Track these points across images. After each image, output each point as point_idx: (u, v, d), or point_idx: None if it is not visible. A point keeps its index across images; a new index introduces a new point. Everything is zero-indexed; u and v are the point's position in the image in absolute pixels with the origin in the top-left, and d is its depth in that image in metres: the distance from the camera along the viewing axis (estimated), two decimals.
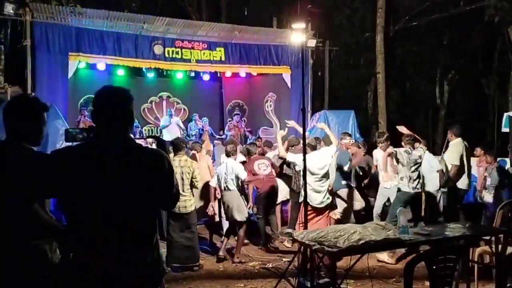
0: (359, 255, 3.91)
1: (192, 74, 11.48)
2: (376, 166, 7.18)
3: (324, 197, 5.88)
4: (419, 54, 18.43)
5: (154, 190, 2.01)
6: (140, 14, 9.45)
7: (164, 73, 11.22)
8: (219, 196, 6.40)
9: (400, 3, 16.24)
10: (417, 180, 6.10)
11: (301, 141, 5.65)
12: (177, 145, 5.82)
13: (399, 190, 6.12)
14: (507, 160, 8.57)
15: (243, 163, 6.74)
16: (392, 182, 6.37)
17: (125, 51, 8.79)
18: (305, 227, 4.79)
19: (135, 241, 1.97)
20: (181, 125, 11.61)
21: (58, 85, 8.19)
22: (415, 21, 16.00)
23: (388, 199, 6.42)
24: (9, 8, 7.80)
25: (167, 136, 10.11)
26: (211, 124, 11.69)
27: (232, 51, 9.80)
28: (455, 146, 6.46)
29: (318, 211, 5.87)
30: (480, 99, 19.14)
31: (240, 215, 5.95)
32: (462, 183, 6.44)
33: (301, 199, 5.72)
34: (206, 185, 6.63)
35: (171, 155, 5.72)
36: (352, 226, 4.00)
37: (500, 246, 4.34)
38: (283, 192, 7.13)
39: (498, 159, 7.71)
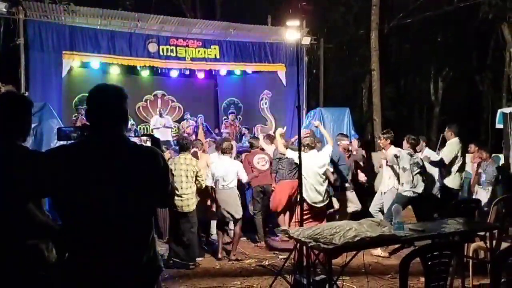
0: (354, 252, 3.93)
1: (187, 72, 11.44)
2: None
3: (323, 197, 5.90)
4: (413, 51, 18.49)
5: (150, 187, 2.01)
6: (134, 12, 9.40)
7: (159, 71, 11.18)
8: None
9: (395, 0, 16.27)
10: (419, 184, 6.08)
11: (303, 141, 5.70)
12: (183, 145, 5.86)
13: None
14: (501, 156, 8.61)
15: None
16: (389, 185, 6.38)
17: (119, 49, 8.74)
18: (301, 225, 4.80)
19: (131, 239, 1.97)
20: (172, 124, 11.58)
21: (52, 84, 8.14)
22: (410, 18, 16.04)
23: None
24: (1, 7, 7.74)
25: (158, 136, 10.06)
26: (206, 122, 11.69)
27: (227, 49, 9.78)
28: (452, 146, 6.54)
29: (316, 211, 5.89)
30: (474, 96, 19.24)
31: (238, 213, 5.98)
32: (453, 183, 6.49)
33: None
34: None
35: (166, 154, 5.72)
36: (347, 223, 4.01)
37: (494, 242, 4.38)
38: None
39: (493, 155, 7.75)
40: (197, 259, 5.78)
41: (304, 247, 4.02)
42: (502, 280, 2.86)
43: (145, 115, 12.08)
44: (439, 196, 6.88)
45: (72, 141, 2.18)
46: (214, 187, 6.18)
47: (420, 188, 6.09)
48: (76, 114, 10.24)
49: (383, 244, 4.97)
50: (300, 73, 7.02)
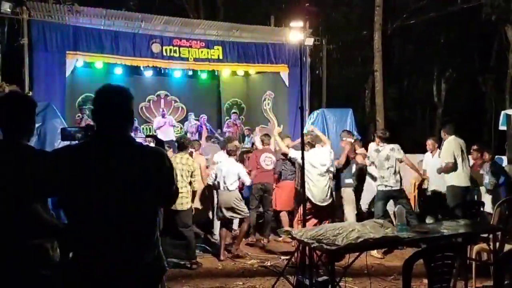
0: (357, 253, 3.93)
1: (190, 73, 11.46)
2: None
3: (326, 195, 5.90)
4: (416, 52, 18.46)
5: (155, 187, 2.02)
6: (138, 12, 9.42)
7: (162, 72, 11.20)
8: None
9: (398, 1, 16.26)
10: (392, 178, 6.19)
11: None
12: (182, 144, 5.87)
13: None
14: (504, 158, 8.59)
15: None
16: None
17: (123, 49, 8.76)
18: (304, 225, 4.80)
19: (136, 239, 1.98)
20: (175, 123, 11.61)
21: (56, 84, 8.15)
22: (413, 19, 16.02)
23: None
24: (6, 7, 7.76)
25: (161, 136, 10.09)
26: (209, 122, 11.71)
27: (230, 49, 9.78)
28: (448, 144, 6.54)
29: (319, 211, 5.89)
30: (477, 97, 19.18)
31: (240, 213, 5.99)
32: (459, 180, 6.46)
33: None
34: (200, 184, 6.69)
35: (168, 152, 5.74)
36: (350, 224, 4.01)
37: (497, 244, 4.36)
38: None
39: (496, 157, 7.73)
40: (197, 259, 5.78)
41: (307, 248, 4.02)
42: (505, 282, 2.86)
43: (148, 115, 12.10)
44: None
45: (77, 141, 2.19)
46: (215, 186, 6.20)
47: (391, 181, 6.16)
48: (79, 114, 10.26)
49: (386, 246, 4.98)
50: (303, 74, 7.06)
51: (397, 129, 13.82)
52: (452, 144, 6.48)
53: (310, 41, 10.16)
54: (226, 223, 6.23)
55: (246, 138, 11.14)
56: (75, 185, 1.91)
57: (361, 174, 7.36)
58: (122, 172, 1.95)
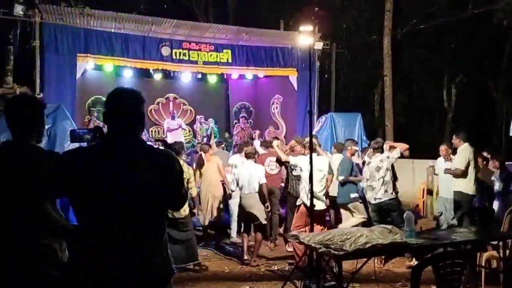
0: (365, 259, 3.90)
1: (199, 76, 11.51)
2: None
3: (320, 202, 5.84)
4: (426, 57, 18.36)
5: (165, 190, 2.03)
6: (148, 16, 9.49)
7: (171, 75, 11.26)
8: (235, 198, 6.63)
9: (408, 6, 16.20)
10: (382, 189, 6.11)
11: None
12: (174, 150, 5.84)
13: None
14: None
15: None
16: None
17: (133, 52, 8.83)
18: (311, 230, 4.78)
19: (146, 241, 1.99)
20: (185, 126, 11.66)
21: (66, 86, 8.23)
22: (423, 24, 15.95)
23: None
24: (18, 9, 7.87)
25: (172, 138, 10.15)
26: (217, 125, 11.75)
27: (239, 53, 9.82)
28: (464, 151, 6.49)
29: (315, 214, 5.86)
30: (487, 103, 19.01)
31: (262, 218, 5.98)
32: (467, 188, 6.42)
33: (299, 201, 5.80)
34: (216, 184, 6.73)
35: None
36: (359, 230, 3.98)
37: (507, 251, 4.31)
38: None
39: (506, 163, 7.64)
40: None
41: (314, 253, 4.00)
42: None
43: (157, 118, 12.16)
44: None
45: (88, 143, 2.20)
46: (234, 191, 6.21)
47: (379, 193, 6.12)
48: (88, 116, 10.34)
49: (394, 252, 4.93)
50: (312, 78, 7.03)
51: (406, 134, 13.73)
52: (468, 151, 6.46)
53: (319, 45, 10.17)
54: (247, 225, 6.21)
55: (254, 142, 11.15)
56: (85, 186, 1.93)
57: None
58: (132, 174, 1.96)
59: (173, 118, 11.45)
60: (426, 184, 9.24)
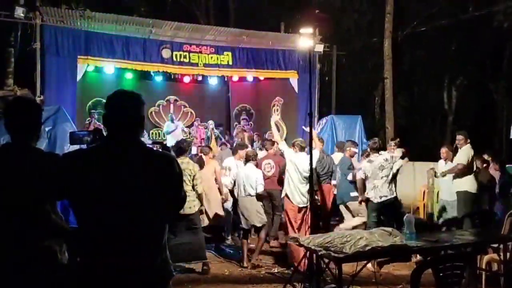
0: (365, 261, 3.89)
1: (200, 78, 11.52)
2: None
3: (306, 198, 5.81)
4: (427, 59, 18.37)
5: (165, 192, 2.04)
6: (149, 18, 9.51)
7: (172, 77, 11.28)
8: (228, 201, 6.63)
9: (409, 8, 16.21)
10: (385, 186, 6.06)
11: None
12: (182, 148, 5.83)
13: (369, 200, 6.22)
14: None
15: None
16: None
17: (133, 54, 8.85)
18: (312, 232, 4.77)
19: (146, 243, 1.99)
20: (185, 129, 11.65)
21: (67, 88, 8.26)
22: (424, 26, 15.96)
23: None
24: (19, 12, 7.90)
25: (171, 140, 10.12)
26: (217, 127, 11.74)
27: (239, 55, 9.84)
28: (467, 149, 6.50)
29: (299, 211, 5.88)
30: (488, 105, 19.00)
31: (260, 220, 5.95)
32: (471, 186, 6.40)
33: (283, 194, 6.00)
34: (213, 189, 6.69)
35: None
36: (358, 232, 3.98)
37: (508, 254, 4.30)
38: None
39: (506, 166, 7.64)
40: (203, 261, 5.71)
41: (314, 256, 4.00)
42: None
43: (157, 120, 12.18)
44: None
45: (88, 145, 2.21)
46: (234, 193, 6.19)
47: (384, 190, 6.06)
48: (89, 118, 10.36)
49: (394, 254, 4.92)
50: (312, 80, 7.05)
51: (407, 137, 13.71)
52: (470, 150, 6.46)
53: (319, 48, 10.17)
54: (246, 230, 6.14)
55: (255, 144, 11.14)
56: (85, 188, 1.93)
57: None
58: (132, 176, 1.97)
59: (172, 121, 11.43)
60: (426, 186, 9.23)
